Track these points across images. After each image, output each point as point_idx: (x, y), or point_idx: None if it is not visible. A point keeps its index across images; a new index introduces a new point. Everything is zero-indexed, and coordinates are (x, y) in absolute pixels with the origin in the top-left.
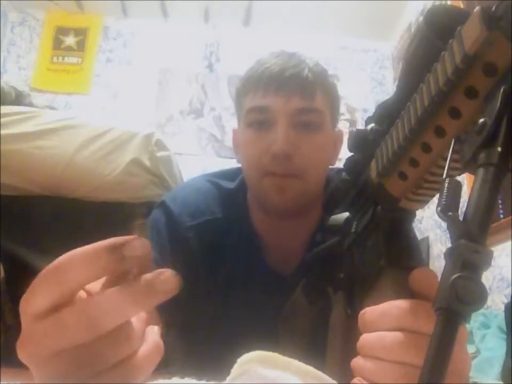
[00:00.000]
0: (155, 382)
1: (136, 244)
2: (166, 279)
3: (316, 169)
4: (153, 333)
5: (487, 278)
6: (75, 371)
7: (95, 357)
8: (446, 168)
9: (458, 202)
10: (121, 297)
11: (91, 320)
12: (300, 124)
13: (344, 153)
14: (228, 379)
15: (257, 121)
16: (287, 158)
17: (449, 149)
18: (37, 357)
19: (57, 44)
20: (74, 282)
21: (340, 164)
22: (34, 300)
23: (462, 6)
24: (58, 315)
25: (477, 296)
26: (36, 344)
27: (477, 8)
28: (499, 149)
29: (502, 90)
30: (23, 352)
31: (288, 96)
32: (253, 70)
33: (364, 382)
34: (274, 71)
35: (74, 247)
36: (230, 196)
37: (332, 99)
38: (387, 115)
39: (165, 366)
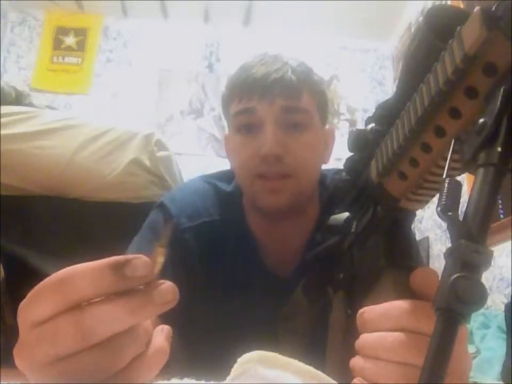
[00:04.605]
0: (154, 382)
1: (138, 263)
2: (164, 291)
3: (307, 168)
4: (160, 336)
5: (487, 278)
6: (72, 381)
7: (92, 367)
8: (446, 168)
9: (458, 202)
10: (117, 307)
11: (84, 328)
12: (287, 125)
13: (344, 153)
14: (228, 379)
15: (245, 125)
16: (277, 159)
17: (449, 149)
18: (32, 365)
19: (57, 44)
20: (77, 296)
21: (339, 164)
22: (36, 309)
23: (462, 6)
24: (52, 322)
25: (477, 296)
26: (30, 351)
27: (477, 8)
28: (499, 149)
29: (502, 90)
30: (19, 359)
31: (273, 98)
32: (236, 77)
33: (364, 382)
34: (257, 77)
35: (74, 247)
36: (227, 197)
37: (319, 97)
38: (387, 115)
39: (164, 367)
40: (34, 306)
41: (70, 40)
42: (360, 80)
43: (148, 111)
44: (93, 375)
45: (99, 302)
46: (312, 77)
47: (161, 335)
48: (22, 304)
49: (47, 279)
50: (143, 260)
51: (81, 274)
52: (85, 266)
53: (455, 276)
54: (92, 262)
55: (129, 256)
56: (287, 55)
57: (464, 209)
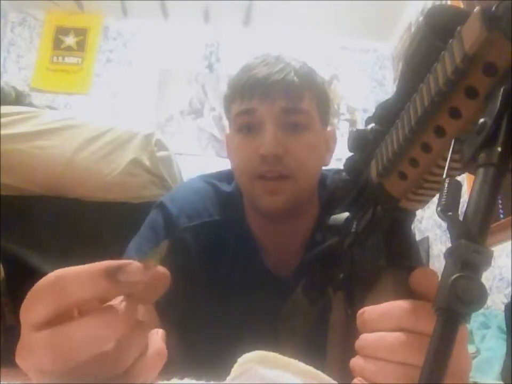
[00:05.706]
0: (154, 383)
1: (131, 269)
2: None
3: (306, 169)
4: (156, 338)
5: (487, 278)
6: (73, 381)
7: (94, 371)
8: (446, 168)
9: (458, 202)
10: (101, 324)
11: (61, 352)
12: (288, 125)
13: (344, 153)
14: (228, 379)
15: (246, 126)
16: (276, 159)
17: (449, 149)
18: (32, 366)
19: (57, 44)
20: (71, 299)
21: (339, 164)
22: (33, 310)
23: (462, 6)
24: (40, 335)
25: (477, 296)
26: (26, 355)
27: (477, 8)
28: (499, 149)
29: (502, 90)
30: (19, 359)
31: (274, 99)
32: (238, 77)
33: (364, 382)
34: (258, 77)
35: (74, 247)
36: (227, 198)
37: (320, 98)
38: (387, 115)
39: (164, 367)
40: (32, 307)
41: (70, 40)
42: (360, 80)
43: (148, 111)
44: (95, 377)
45: (76, 322)
46: (314, 78)
47: (158, 337)
48: (23, 305)
49: (40, 281)
50: (136, 265)
51: (74, 278)
52: (78, 269)
53: (455, 276)
54: (85, 265)
55: (122, 261)
56: (289, 56)
57: (464, 209)
